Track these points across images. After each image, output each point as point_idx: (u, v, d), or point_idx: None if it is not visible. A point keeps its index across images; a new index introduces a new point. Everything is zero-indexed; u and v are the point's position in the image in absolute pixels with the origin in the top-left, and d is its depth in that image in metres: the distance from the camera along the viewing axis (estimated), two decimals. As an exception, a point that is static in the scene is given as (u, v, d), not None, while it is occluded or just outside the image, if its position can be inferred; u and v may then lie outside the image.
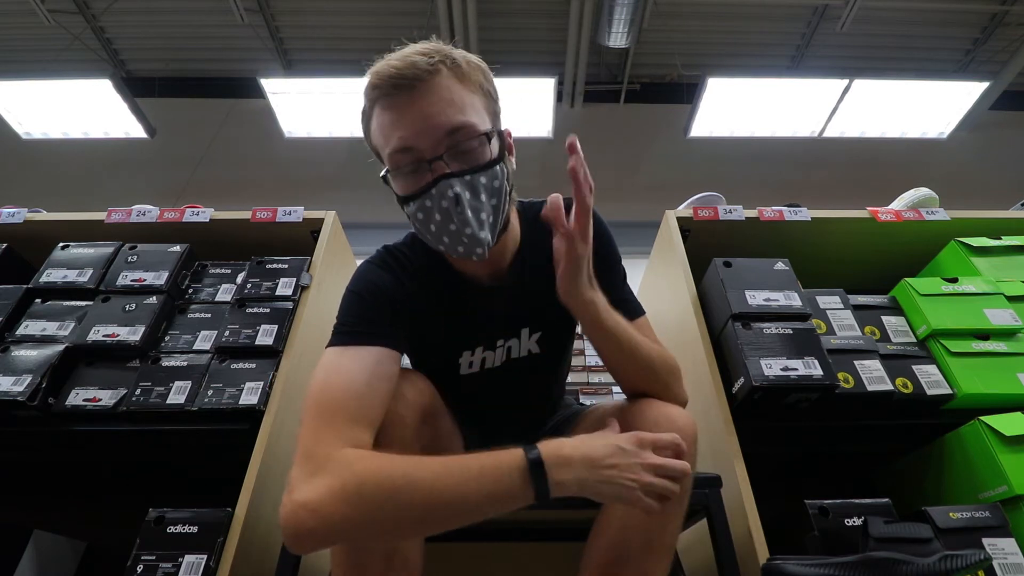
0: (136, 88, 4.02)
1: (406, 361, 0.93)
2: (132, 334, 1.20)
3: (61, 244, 1.38)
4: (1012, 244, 1.38)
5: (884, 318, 1.28)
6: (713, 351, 1.22)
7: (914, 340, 1.23)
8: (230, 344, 1.19)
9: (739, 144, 4.23)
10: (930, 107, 3.79)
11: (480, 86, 0.78)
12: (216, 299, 1.31)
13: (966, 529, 0.91)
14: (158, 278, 1.30)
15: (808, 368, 1.09)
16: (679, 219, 1.45)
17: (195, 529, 0.95)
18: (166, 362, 1.17)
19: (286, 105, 3.71)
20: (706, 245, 1.41)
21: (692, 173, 4.34)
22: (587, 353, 2.95)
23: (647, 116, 4.55)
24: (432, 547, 1.20)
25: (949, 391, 1.13)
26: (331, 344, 0.79)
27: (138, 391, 1.12)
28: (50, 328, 1.23)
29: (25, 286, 1.30)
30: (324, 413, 0.69)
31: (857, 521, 0.94)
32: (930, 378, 1.15)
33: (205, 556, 0.92)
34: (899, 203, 1.56)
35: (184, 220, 1.45)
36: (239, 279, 1.33)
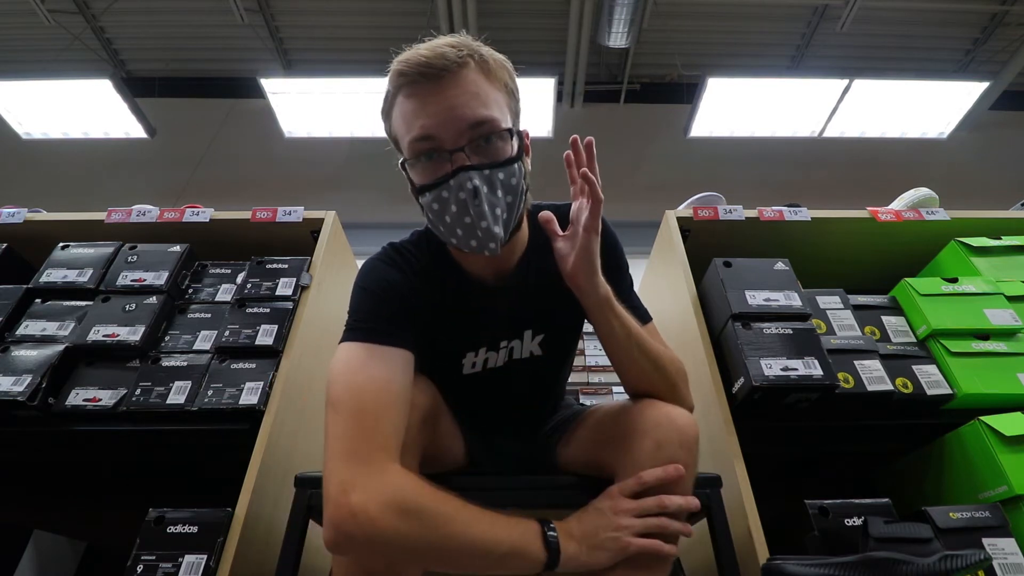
0: (136, 88, 4.02)
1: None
2: (132, 334, 1.20)
3: (61, 244, 1.38)
4: (1012, 244, 1.38)
5: (884, 318, 1.28)
6: (713, 351, 1.22)
7: (914, 340, 1.23)
8: (230, 344, 1.19)
9: (739, 144, 4.23)
10: (930, 107, 3.79)
11: (505, 84, 0.78)
12: (216, 299, 1.31)
13: (966, 529, 0.91)
14: (158, 278, 1.30)
15: (808, 368, 1.09)
16: (679, 219, 1.45)
17: (195, 529, 0.94)
18: (166, 362, 1.17)
19: (286, 105, 3.71)
20: (706, 245, 1.41)
21: (692, 173, 4.34)
22: (587, 353, 2.95)
23: (647, 116, 4.55)
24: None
25: (949, 391, 1.13)
26: (351, 340, 0.76)
27: (138, 391, 1.12)
28: (50, 328, 1.23)
29: (25, 286, 1.30)
30: (367, 417, 0.68)
31: (857, 521, 0.94)
32: (930, 378, 1.15)
33: (205, 556, 0.92)
34: (899, 203, 1.56)
35: (184, 220, 1.45)
36: (239, 279, 1.33)
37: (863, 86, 3.57)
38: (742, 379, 1.10)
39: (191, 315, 1.28)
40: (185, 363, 1.17)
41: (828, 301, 1.28)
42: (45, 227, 1.49)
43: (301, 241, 1.46)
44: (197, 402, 1.10)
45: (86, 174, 4.46)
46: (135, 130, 3.86)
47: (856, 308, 1.28)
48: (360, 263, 1.53)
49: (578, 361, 2.83)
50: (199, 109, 4.48)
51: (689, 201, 1.66)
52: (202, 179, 4.48)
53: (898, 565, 0.76)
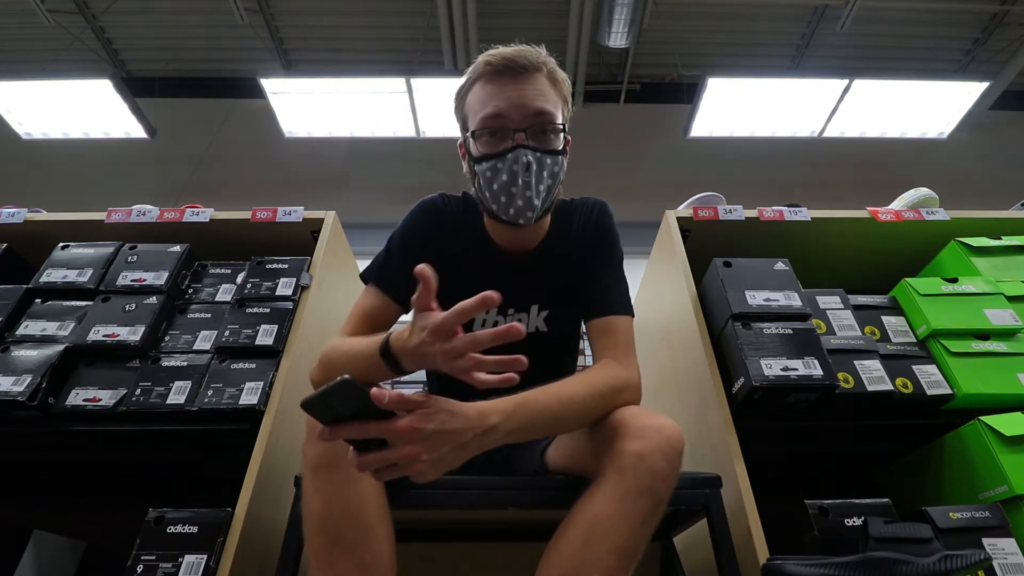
0: (136, 88, 4.02)
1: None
2: (132, 334, 1.20)
3: (61, 244, 1.38)
4: (1012, 244, 1.38)
5: (884, 318, 1.27)
6: (713, 351, 1.21)
7: (914, 340, 1.23)
8: (230, 344, 1.19)
9: (739, 144, 4.24)
10: (930, 107, 3.79)
11: (564, 98, 0.95)
12: (216, 299, 1.31)
13: (966, 529, 0.91)
14: (158, 278, 1.30)
15: (808, 368, 1.09)
16: (679, 219, 1.45)
17: (195, 529, 0.95)
18: (166, 362, 1.17)
19: (286, 105, 3.72)
20: (706, 245, 1.41)
21: (692, 173, 4.34)
22: (587, 354, 2.95)
23: (647, 116, 4.56)
24: (427, 548, 1.21)
25: (949, 391, 1.13)
26: (369, 277, 0.98)
27: (138, 391, 1.12)
28: (50, 328, 1.23)
29: (25, 286, 1.30)
30: (347, 324, 0.95)
31: (857, 521, 0.94)
32: (930, 378, 1.15)
33: (205, 556, 0.92)
34: (899, 203, 1.56)
35: (184, 220, 1.45)
36: (239, 279, 1.33)
37: (863, 86, 3.57)
38: (742, 379, 1.10)
39: (191, 315, 1.28)
40: (185, 363, 1.17)
41: (828, 301, 1.28)
42: (45, 227, 1.49)
43: (301, 241, 1.46)
44: (197, 402, 1.10)
45: (86, 174, 4.46)
46: (135, 130, 3.86)
47: (856, 308, 1.28)
48: (360, 263, 1.53)
49: (578, 361, 2.82)
50: (199, 109, 4.48)
51: (689, 201, 1.66)
52: (202, 179, 4.49)
53: (898, 565, 0.76)
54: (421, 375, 0.97)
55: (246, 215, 1.46)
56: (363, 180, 4.70)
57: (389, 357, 0.74)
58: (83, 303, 1.27)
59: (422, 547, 1.19)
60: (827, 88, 3.62)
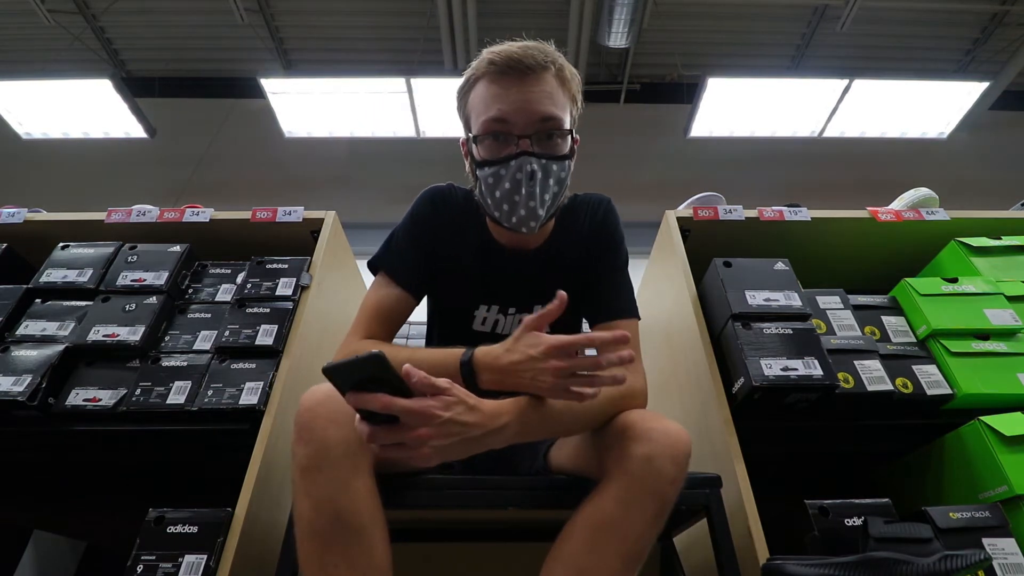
0: (136, 88, 4.02)
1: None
2: (132, 334, 1.20)
3: (61, 244, 1.38)
4: (1012, 244, 1.38)
5: (884, 318, 1.27)
6: (713, 351, 1.21)
7: (914, 340, 1.23)
8: (230, 344, 1.19)
9: (739, 144, 4.24)
10: (930, 107, 3.79)
11: (573, 96, 0.91)
12: (216, 299, 1.31)
13: (966, 529, 0.91)
14: (158, 278, 1.30)
15: (808, 368, 1.09)
16: (679, 219, 1.45)
17: (195, 529, 0.94)
18: (166, 362, 1.17)
19: (286, 105, 3.71)
20: (706, 245, 1.41)
21: (692, 173, 4.34)
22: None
23: (647, 116, 4.55)
24: (427, 548, 1.20)
25: (949, 391, 1.13)
26: (379, 264, 0.97)
27: (138, 391, 1.12)
28: (50, 328, 1.23)
29: (25, 286, 1.30)
30: (363, 316, 0.93)
31: (857, 521, 0.94)
32: (930, 378, 1.15)
33: (205, 556, 0.91)
34: (899, 203, 1.56)
35: (184, 220, 1.45)
36: (239, 279, 1.33)
37: (863, 86, 3.57)
38: (742, 379, 1.10)
39: (191, 315, 1.27)
40: (185, 363, 1.17)
41: (828, 301, 1.28)
42: (45, 227, 1.49)
43: (301, 241, 1.45)
44: (197, 402, 1.10)
45: (86, 174, 4.46)
46: (135, 130, 3.86)
47: (856, 308, 1.28)
48: (360, 263, 1.53)
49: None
50: (199, 109, 4.48)
51: (689, 201, 1.66)
52: (202, 179, 4.49)
53: (898, 565, 0.76)
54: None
55: (246, 215, 1.46)
56: (363, 180, 4.70)
57: (469, 371, 0.74)
58: (83, 303, 1.27)
59: (422, 547, 1.19)
60: (827, 88, 3.62)
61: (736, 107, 3.75)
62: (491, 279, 0.98)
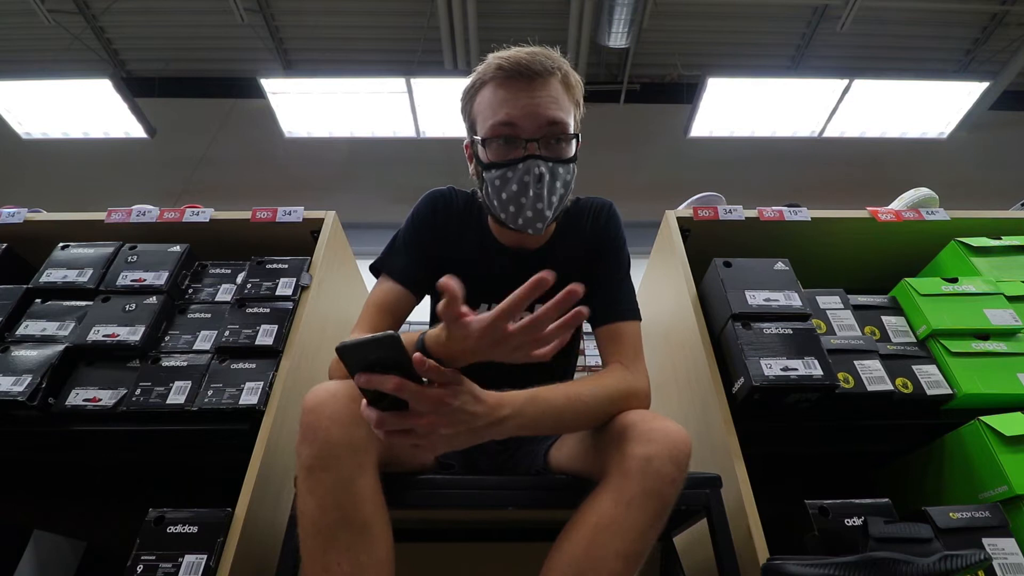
0: (136, 88, 4.02)
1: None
2: (132, 334, 1.20)
3: (61, 244, 1.38)
4: (1012, 244, 1.38)
5: (884, 318, 1.27)
6: (713, 351, 1.22)
7: (914, 340, 1.23)
8: (230, 344, 1.19)
9: (739, 144, 4.24)
10: (930, 107, 3.79)
11: (577, 102, 0.93)
12: (216, 299, 1.31)
13: (966, 529, 0.91)
14: (158, 278, 1.30)
15: (808, 368, 1.09)
16: (679, 219, 1.45)
17: (195, 529, 0.94)
18: (166, 362, 1.17)
19: (286, 105, 3.72)
20: (706, 245, 1.41)
21: (692, 173, 4.34)
22: (587, 353, 2.95)
23: (647, 116, 4.55)
24: (427, 548, 1.20)
25: (949, 391, 1.13)
26: (381, 267, 0.99)
27: (138, 391, 1.12)
28: (50, 328, 1.23)
29: (25, 286, 1.30)
30: (366, 314, 0.95)
31: (857, 521, 0.94)
32: (930, 378, 1.15)
33: (205, 556, 0.91)
34: (899, 203, 1.56)
35: (184, 220, 1.45)
36: (239, 279, 1.33)
37: (863, 86, 3.57)
38: (742, 379, 1.10)
39: (191, 315, 1.27)
40: (185, 363, 1.17)
41: (828, 301, 1.28)
42: (45, 227, 1.49)
43: (301, 241, 1.45)
44: (197, 402, 1.10)
45: (86, 174, 4.46)
46: (135, 130, 3.86)
47: (856, 308, 1.28)
48: (360, 263, 1.53)
49: (578, 361, 2.83)
50: (199, 109, 4.48)
51: (689, 201, 1.66)
52: (202, 179, 4.49)
53: (898, 565, 0.76)
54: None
55: (246, 215, 1.46)
56: (363, 180, 4.71)
57: (425, 355, 0.73)
58: (83, 303, 1.27)
59: (422, 547, 1.19)
60: (827, 88, 3.62)
61: (736, 107, 3.75)
62: (493, 279, 0.99)
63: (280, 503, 1.11)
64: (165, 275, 1.30)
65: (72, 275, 1.31)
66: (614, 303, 0.95)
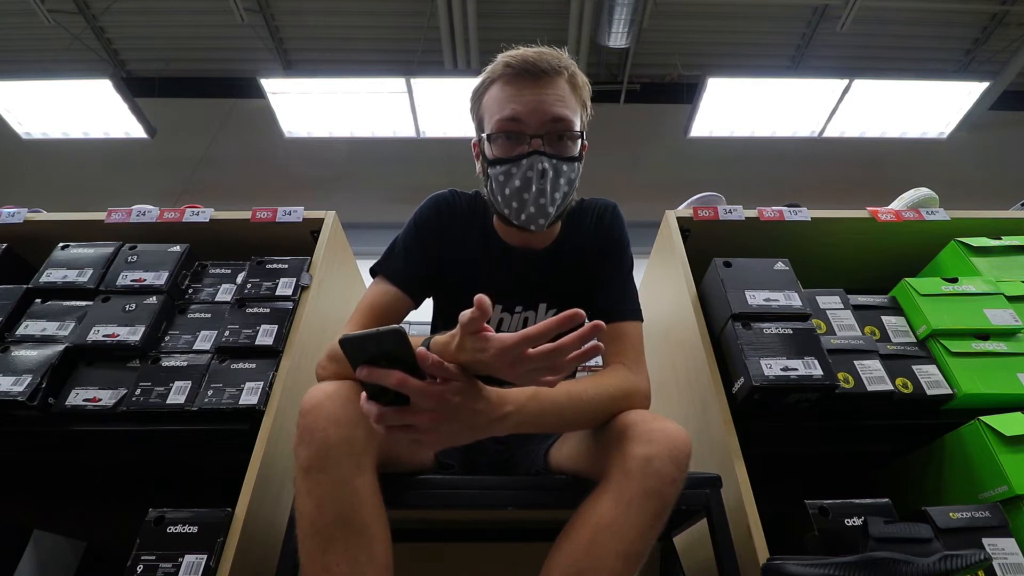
0: (136, 88, 4.02)
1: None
2: (132, 334, 1.20)
3: (61, 244, 1.38)
4: (1012, 244, 1.38)
5: (884, 318, 1.27)
6: (713, 351, 1.22)
7: (914, 340, 1.23)
8: (230, 344, 1.19)
9: (739, 144, 4.23)
10: (930, 107, 3.79)
11: (584, 102, 0.94)
12: (216, 299, 1.31)
13: (966, 529, 0.91)
14: (158, 278, 1.30)
15: (808, 368, 1.09)
16: (679, 219, 1.45)
17: (195, 529, 0.94)
18: (166, 362, 1.17)
19: (286, 105, 3.71)
20: (706, 245, 1.41)
21: (692, 173, 4.34)
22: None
23: (647, 116, 4.55)
24: (427, 548, 1.21)
25: (949, 391, 1.13)
26: (379, 271, 0.97)
27: (138, 391, 1.12)
28: (50, 328, 1.23)
29: (25, 286, 1.30)
30: (356, 316, 0.93)
31: (857, 521, 0.94)
32: (930, 378, 1.15)
33: (205, 556, 0.91)
34: (899, 203, 1.56)
35: (184, 220, 1.45)
36: (239, 279, 1.33)
37: (863, 86, 3.57)
38: (742, 379, 1.10)
39: (191, 315, 1.27)
40: (185, 363, 1.17)
41: (828, 301, 1.28)
42: (45, 227, 1.49)
43: (301, 241, 1.45)
44: (197, 402, 1.10)
45: (86, 174, 4.46)
46: (135, 130, 3.86)
47: (856, 308, 1.28)
48: (360, 263, 1.53)
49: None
50: (199, 109, 4.48)
51: (689, 201, 1.66)
52: (202, 179, 4.49)
53: (898, 565, 0.76)
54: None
55: (246, 215, 1.46)
56: (363, 180, 4.71)
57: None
58: (83, 303, 1.27)
59: (422, 547, 1.19)
60: (827, 88, 3.62)
61: (736, 107, 3.75)
62: (497, 278, 0.99)
63: (280, 503, 1.11)
64: (165, 275, 1.30)
65: (72, 275, 1.31)
66: (617, 303, 0.96)
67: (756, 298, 1.20)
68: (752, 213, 1.43)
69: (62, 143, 4.03)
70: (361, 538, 0.68)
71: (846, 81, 3.54)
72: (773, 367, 1.09)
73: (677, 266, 1.37)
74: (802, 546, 0.97)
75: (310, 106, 3.73)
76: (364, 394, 0.65)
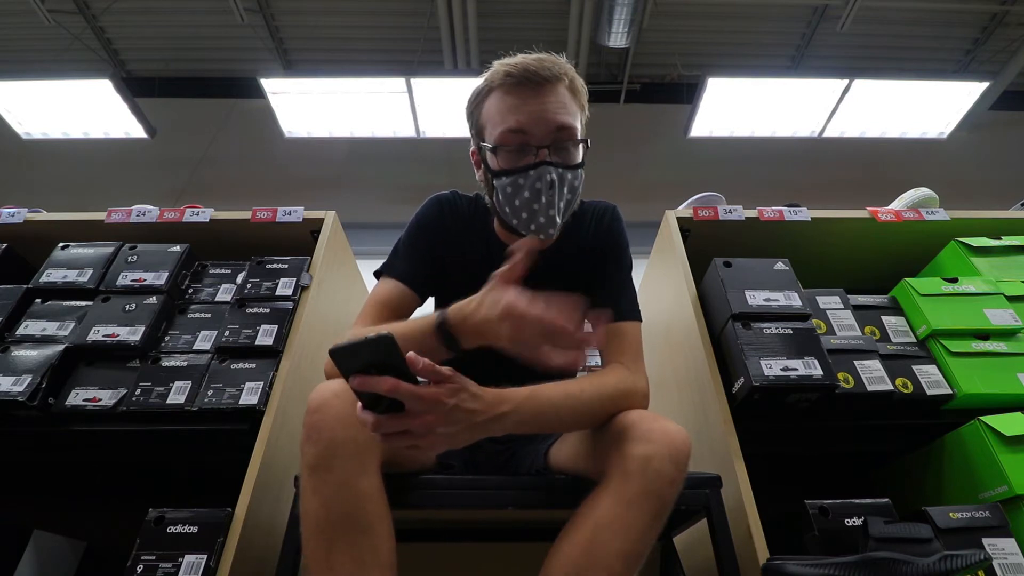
0: (136, 88, 4.02)
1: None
2: (132, 334, 1.20)
3: (61, 244, 1.38)
4: (1012, 244, 1.38)
5: (884, 318, 1.28)
6: (713, 351, 1.22)
7: (914, 340, 1.23)
8: (230, 344, 1.19)
9: (739, 144, 4.23)
10: (930, 107, 3.78)
11: (583, 106, 0.94)
12: (216, 299, 1.31)
13: (966, 529, 0.91)
14: (158, 278, 1.30)
15: (808, 368, 1.09)
16: (679, 219, 1.45)
17: (195, 529, 0.95)
18: (166, 362, 1.17)
19: (286, 105, 3.71)
20: (706, 245, 1.41)
21: (692, 173, 4.34)
22: (587, 353, 2.94)
23: (647, 116, 4.55)
24: (427, 548, 1.20)
25: (949, 391, 1.13)
26: (385, 272, 0.98)
27: (138, 391, 1.12)
28: (50, 328, 1.23)
29: (25, 286, 1.30)
30: (367, 310, 0.94)
31: (857, 521, 0.94)
32: (930, 378, 1.15)
33: (205, 556, 0.92)
34: (899, 203, 1.56)
35: (184, 220, 1.45)
36: (239, 279, 1.33)
37: (863, 86, 3.57)
38: (742, 379, 1.10)
39: (191, 315, 1.27)
40: (185, 363, 1.17)
41: (828, 301, 1.28)
42: (45, 227, 1.49)
43: (301, 241, 1.45)
44: (197, 402, 1.10)
45: (86, 174, 4.46)
46: (135, 130, 3.85)
47: (856, 308, 1.28)
48: (360, 263, 1.53)
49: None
50: (199, 109, 4.48)
51: (689, 201, 1.66)
52: (202, 179, 4.48)
53: (898, 565, 0.76)
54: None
55: (246, 215, 1.46)
56: (363, 180, 4.70)
57: (446, 334, 0.74)
58: (83, 303, 1.27)
59: (422, 547, 1.19)
60: (827, 88, 3.62)
61: (736, 107, 3.74)
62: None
63: (280, 503, 1.11)
64: (165, 275, 1.30)
65: (72, 275, 1.31)
66: (616, 303, 0.95)
67: (756, 298, 1.20)
68: (752, 213, 1.43)
69: (62, 143, 4.03)
70: (366, 537, 0.68)
71: (846, 81, 3.54)
72: (773, 367, 1.09)
73: (677, 266, 1.37)
74: (802, 546, 0.97)
75: (310, 106, 3.73)
76: (359, 404, 0.64)
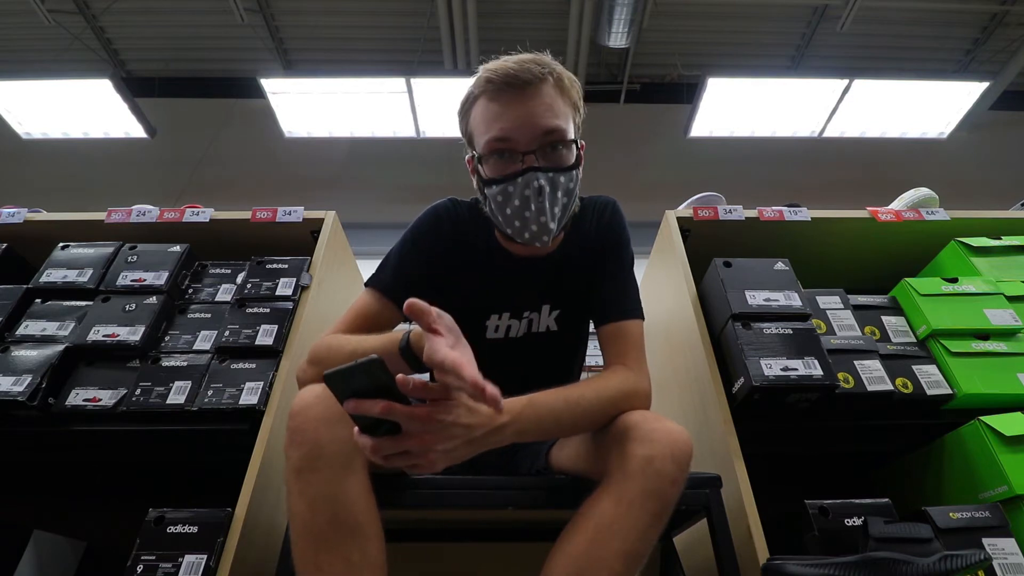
0: (136, 88, 4.02)
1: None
2: (132, 334, 1.20)
3: (61, 244, 1.38)
4: (1012, 244, 1.38)
5: (884, 318, 1.28)
6: (713, 351, 1.21)
7: (914, 340, 1.23)
8: (230, 344, 1.19)
9: (739, 144, 4.23)
10: (930, 107, 3.78)
11: (574, 103, 0.91)
12: (216, 299, 1.31)
13: (966, 529, 0.91)
14: (158, 278, 1.30)
15: (808, 368, 1.09)
16: (679, 219, 1.45)
17: (195, 529, 0.94)
18: (166, 362, 1.17)
19: (286, 105, 3.71)
20: (706, 245, 1.41)
21: (692, 173, 4.34)
22: (588, 354, 2.94)
23: (647, 116, 4.55)
24: (427, 548, 1.20)
25: (949, 391, 1.13)
26: (371, 284, 0.94)
27: (138, 391, 1.12)
28: (50, 328, 1.23)
29: (25, 286, 1.30)
30: (341, 324, 0.91)
31: (857, 521, 0.94)
32: (930, 378, 1.15)
33: (205, 556, 0.91)
34: (899, 203, 1.56)
35: (184, 220, 1.45)
36: (239, 279, 1.33)
37: (863, 86, 3.57)
38: (742, 379, 1.10)
39: (191, 315, 1.27)
40: (185, 363, 1.17)
41: (828, 301, 1.28)
42: (45, 227, 1.49)
43: (301, 241, 1.45)
44: (197, 402, 1.10)
45: (86, 174, 4.46)
46: (135, 130, 3.86)
47: (856, 308, 1.28)
48: (360, 263, 1.52)
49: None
50: (199, 109, 4.48)
51: (689, 201, 1.66)
52: (202, 179, 4.48)
53: (898, 565, 0.76)
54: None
55: (246, 215, 1.46)
56: (363, 180, 4.70)
57: (410, 355, 0.72)
58: (83, 303, 1.27)
59: (422, 547, 1.19)
60: (827, 88, 3.62)
61: (736, 107, 3.75)
62: (503, 286, 0.99)
63: (280, 503, 1.11)
64: (165, 275, 1.30)
65: (72, 275, 1.31)
66: (618, 301, 0.95)
67: (756, 298, 1.20)
68: (752, 213, 1.43)
69: (62, 143, 4.03)
70: (354, 537, 0.68)
71: (846, 81, 3.54)
72: (773, 367, 1.09)
73: (677, 266, 1.37)
74: (802, 546, 0.97)
75: (310, 106, 3.73)
76: (356, 429, 0.64)
